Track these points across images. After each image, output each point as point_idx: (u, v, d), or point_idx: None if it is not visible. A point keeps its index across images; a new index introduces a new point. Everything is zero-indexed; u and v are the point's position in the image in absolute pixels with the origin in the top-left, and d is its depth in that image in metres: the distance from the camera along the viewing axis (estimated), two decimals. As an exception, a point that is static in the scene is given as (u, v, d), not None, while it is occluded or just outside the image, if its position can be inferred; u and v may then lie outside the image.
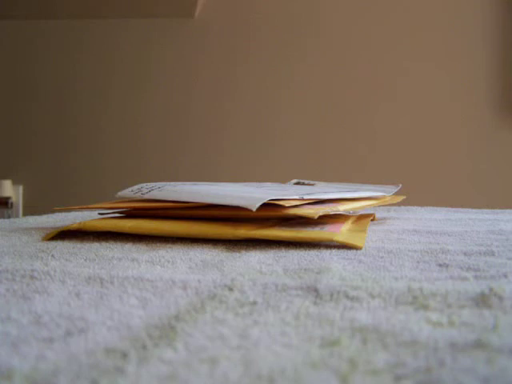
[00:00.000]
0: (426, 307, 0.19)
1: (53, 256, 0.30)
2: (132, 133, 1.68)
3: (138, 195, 0.42)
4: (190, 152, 1.65)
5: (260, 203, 0.35)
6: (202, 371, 0.13)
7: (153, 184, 0.44)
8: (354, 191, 0.50)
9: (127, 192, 0.44)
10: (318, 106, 1.60)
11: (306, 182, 0.66)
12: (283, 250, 0.33)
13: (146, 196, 0.42)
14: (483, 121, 1.51)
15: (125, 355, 0.14)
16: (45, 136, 1.73)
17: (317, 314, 0.18)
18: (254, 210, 0.35)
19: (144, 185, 0.44)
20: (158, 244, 0.35)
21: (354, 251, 0.32)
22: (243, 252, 0.32)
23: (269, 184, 0.59)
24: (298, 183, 0.66)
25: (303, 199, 0.40)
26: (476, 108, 1.51)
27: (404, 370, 0.13)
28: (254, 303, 0.20)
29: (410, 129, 1.54)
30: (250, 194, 0.39)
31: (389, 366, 0.14)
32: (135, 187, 0.44)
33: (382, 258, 0.30)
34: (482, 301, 0.20)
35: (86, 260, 0.29)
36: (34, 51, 1.71)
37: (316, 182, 0.65)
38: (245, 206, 0.35)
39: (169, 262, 0.28)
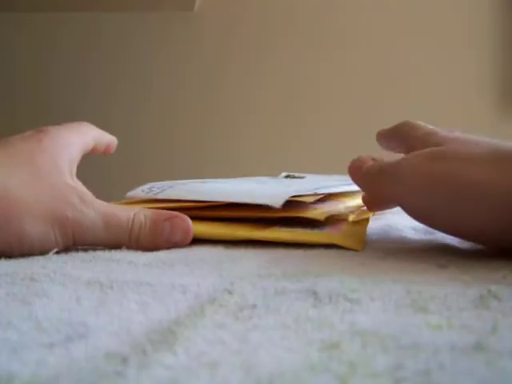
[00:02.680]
0: (425, 310, 0.19)
1: (51, 258, 0.30)
2: (131, 130, 1.67)
3: (151, 195, 0.42)
4: (190, 149, 1.65)
5: (284, 200, 0.35)
6: (202, 375, 0.13)
7: (162, 183, 0.44)
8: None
9: (138, 192, 0.43)
10: (318, 103, 1.60)
11: (297, 174, 0.65)
12: (282, 251, 0.33)
13: (160, 196, 0.41)
14: (483, 115, 1.51)
15: (125, 360, 0.14)
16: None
17: (316, 317, 0.18)
18: (279, 206, 0.34)
19: (153, 184, 0.44)
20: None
21: (354, 252, 0.32)
22: (242, 253, 0.32)
23: (265, 179, 0.58)
24: (288, 176, 0.65)
25: (317, 194, 0.40)
26: (476, 104, 1.51)
27: (404, 372, 0.13)
28: (254, 307, 0.20)
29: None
30: (271, 191, 0.39)
31: (389, 368, 0.14)
32: (145, 187, 0.44)
33: (381, 258, 0.30)
34: (480, 303, 0.20)
35: (82, 262, 0.29)
36: (32, 45, 1.71)
37: (306, 175, 0.64)
38: (270, 204, 0.35)
39: (166, 264, 0.28)
